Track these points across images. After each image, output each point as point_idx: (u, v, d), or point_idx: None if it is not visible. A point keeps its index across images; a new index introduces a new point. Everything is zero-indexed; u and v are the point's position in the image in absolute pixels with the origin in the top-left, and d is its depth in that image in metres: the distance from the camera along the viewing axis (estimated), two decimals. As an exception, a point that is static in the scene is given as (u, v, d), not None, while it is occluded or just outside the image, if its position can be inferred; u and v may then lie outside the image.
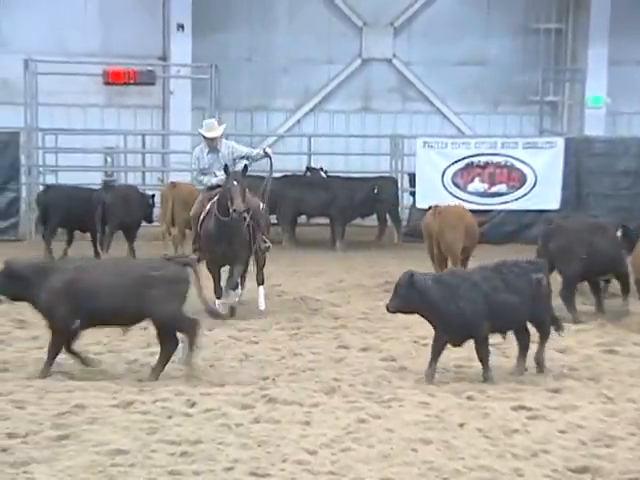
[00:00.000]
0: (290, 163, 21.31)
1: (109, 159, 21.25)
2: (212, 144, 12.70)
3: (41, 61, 19.80)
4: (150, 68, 20.40)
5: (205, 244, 12.39)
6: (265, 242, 12.57)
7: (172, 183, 17.49)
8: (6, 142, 19.13)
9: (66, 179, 20.25)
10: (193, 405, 8.53)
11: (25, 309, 12.30)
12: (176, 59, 21.60)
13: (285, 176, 19.88)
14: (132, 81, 20.12)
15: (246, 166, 12.47)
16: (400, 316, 12.49)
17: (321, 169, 20.09)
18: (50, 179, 20.40)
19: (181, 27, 21.34)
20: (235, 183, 11.92)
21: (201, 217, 12.43)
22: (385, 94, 23.71)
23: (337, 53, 23.40)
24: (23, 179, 19.61)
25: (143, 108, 22.09)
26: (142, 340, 10.90)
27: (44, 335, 11.07)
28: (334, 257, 17.88)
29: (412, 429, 7.99)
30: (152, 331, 11.22)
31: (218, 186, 12.39)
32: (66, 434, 7.68)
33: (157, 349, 10.48)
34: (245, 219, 12.18)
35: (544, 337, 9.80)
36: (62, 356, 10.14)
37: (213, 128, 12.79)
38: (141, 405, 8.52)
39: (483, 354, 9.50)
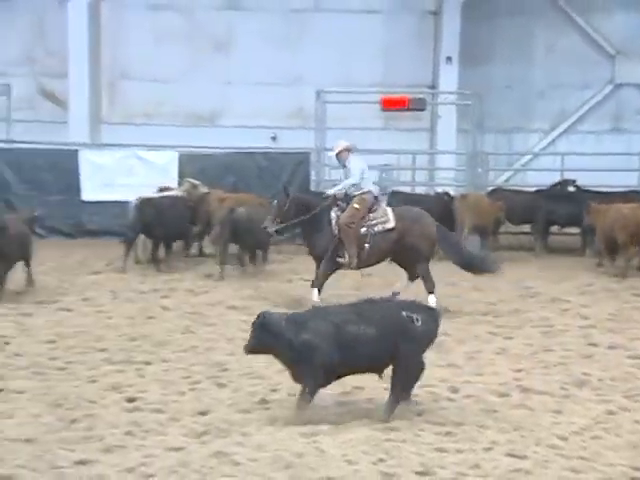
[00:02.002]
0: (544, 179, 20.88)
1: (384, 175, 21.59)
2: (341, 161, 12.75)
3: (330, 92, 20.41)
4: (421, 96, 20.55)
5: None
6: (342, 257, 12.17)
7: (463, 195, 17.85)
8: (300, 161, 19.97)
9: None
10: (456, 391, 8.55)
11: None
12: (444, 87, 21.70)
13: (539, 190, 19.52)
14: (405, 107, 20.31)
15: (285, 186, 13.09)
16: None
17: (572, 182, 19.42)
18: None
19: (449, 59, 21.43)
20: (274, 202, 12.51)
21: None
22: (635, 116, 22.81)
23: (590, 79, 22.74)
24: (313, 192, 20.34)
25: (414, 131, 22.27)
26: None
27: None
28: (584, 263, 17.31)
29: (659, 423, 7.66)
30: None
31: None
32: (348, 410, 7.88)
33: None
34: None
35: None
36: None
37: (337, 146, 12.80)
38: (410, 390, 8.60)
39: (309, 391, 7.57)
